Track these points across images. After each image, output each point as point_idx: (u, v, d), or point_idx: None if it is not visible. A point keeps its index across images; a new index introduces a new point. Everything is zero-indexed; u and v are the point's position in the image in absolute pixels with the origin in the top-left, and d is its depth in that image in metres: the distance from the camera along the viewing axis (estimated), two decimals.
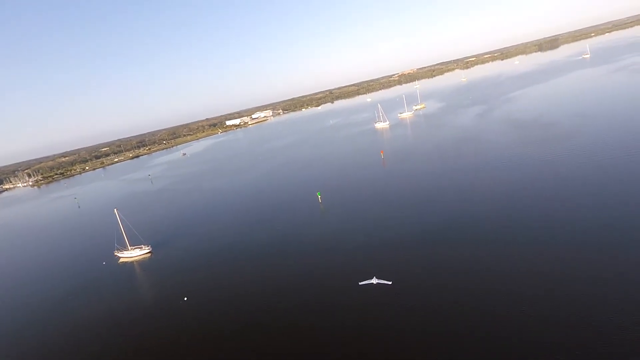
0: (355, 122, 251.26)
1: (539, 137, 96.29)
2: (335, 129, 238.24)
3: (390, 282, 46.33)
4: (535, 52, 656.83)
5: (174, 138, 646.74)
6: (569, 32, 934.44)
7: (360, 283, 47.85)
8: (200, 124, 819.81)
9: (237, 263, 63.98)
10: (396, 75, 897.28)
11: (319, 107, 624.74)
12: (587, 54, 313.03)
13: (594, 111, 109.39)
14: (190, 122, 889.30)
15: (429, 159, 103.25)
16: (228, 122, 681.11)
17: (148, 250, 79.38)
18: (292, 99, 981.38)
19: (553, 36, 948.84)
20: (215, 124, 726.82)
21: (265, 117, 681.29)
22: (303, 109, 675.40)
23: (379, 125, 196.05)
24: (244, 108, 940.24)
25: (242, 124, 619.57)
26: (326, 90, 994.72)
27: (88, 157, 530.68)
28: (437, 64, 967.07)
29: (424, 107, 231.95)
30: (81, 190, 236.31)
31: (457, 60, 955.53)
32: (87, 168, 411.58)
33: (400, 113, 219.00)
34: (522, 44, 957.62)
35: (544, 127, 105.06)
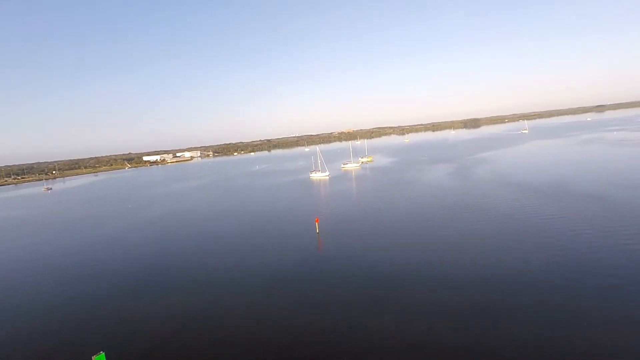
0: (287, 170, 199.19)
1: (603, 215, 51.93)
2: (260, 175, 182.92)
3: None
4: (462, 128, 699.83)
5: (72, 169, 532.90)
6: (487, 116, 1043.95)
7: None
8: (113, 157, 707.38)
9: None
10: (336, 132, 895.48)
11: (252, 153, 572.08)
12: (526, 129, 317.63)
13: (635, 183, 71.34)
14: (106, 154, 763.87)
15: (402, 235, 52.12)
16: (146, 158, 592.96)
17: None
18: (228, 144, 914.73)
19: (474, 118, 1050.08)
20: (132, 159, 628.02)
21: (191, 156, 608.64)
22: (235, 154, 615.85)
23: (316, 176, 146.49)
24: (176, 147, 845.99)
25: (159, 160, 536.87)
26: (264, 139, 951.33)
27: None
28: (375, 128, 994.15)
29: (371, 161, 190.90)
30: None
31: (393, 127, 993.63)
32: None
33: (345, 164, 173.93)
34: (449, 121, 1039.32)
35: (593, 201, 62.20)
